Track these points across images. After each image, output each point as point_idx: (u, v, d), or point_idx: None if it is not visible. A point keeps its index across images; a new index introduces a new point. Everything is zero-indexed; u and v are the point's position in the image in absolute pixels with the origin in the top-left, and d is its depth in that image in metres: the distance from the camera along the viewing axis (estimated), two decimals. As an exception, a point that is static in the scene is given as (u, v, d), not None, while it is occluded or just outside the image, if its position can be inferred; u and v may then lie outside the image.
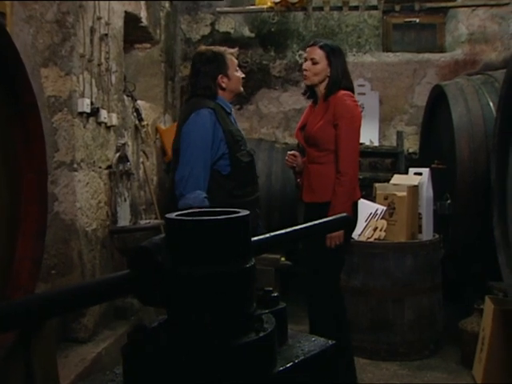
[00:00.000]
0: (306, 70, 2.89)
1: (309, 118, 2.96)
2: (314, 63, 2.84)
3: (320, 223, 0.84)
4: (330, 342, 0.75)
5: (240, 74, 2.83)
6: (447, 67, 5.15)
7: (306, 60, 2.92)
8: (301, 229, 0.83)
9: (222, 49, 2.81)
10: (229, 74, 2.74)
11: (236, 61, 2.81)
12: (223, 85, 2.73)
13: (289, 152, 3.03)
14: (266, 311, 0.77)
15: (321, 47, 2.85)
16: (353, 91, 2.92)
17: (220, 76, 2.72)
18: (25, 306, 0.65)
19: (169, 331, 0.72)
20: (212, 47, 2.86)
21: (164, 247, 0.71)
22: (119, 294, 0.73)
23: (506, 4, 4.75)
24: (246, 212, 0.75)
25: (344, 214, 0.90)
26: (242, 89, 2.86)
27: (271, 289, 0.80)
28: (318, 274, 2.79)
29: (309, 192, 2.89)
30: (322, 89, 2.87)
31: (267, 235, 0.81)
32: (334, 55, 2.84)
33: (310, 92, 2.98)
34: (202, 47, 2.92)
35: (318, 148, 2.84)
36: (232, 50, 2.83)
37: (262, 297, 0.79)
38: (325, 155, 2.82)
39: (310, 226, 0.83)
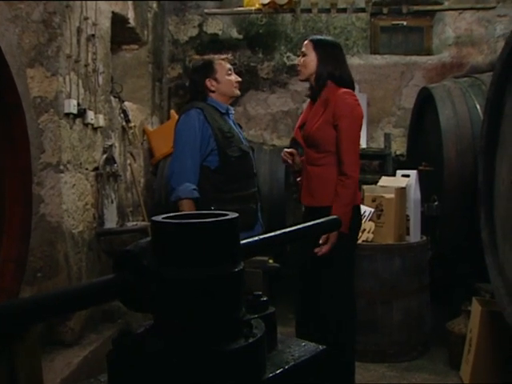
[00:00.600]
0: (298, 65, 2.90)
1: (308, 116, 2.88)
2: (304, 55, 2.82)
3: (310, 225, 0.83)
4: (320, 347, 0.74)
5: (234, 78, 2.96)
6: (434, 70, 5.18)
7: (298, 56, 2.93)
8: (291, 231, 0.81)
9: (211, 56, 3.06)
10: (217, 78, 2.91)
11: (228, 66, 2.97)
12: (212, 88, 2.92)
13: (285, 149, 2.95)
14: (255, 316, 0.75)
15: (311, 40, 2.83)
16: (353, 89, 2.83)
17: (208, 80, 2.91)
18: (6, 310, 0.62)
19: (155, 336, 0.70)
20: (204, 56, 3.14)
21: (150, 250, 0.70)
22: (104, 299, 0.71)
23: (493, 8, 4.79)
24: (235, 215, 0.73)
25: (335, 217, 0.88)
26: (237, 92, 2.99)
27: (260, 293, 0.78)
28: (331, 280, 2.73)
29: (308, 195, 2.82)
30: (312, 82, 2.82)
31: (256, 238, 0.79)
32: (323, 47, 2.79)
33: (310, 88, 2.92)
34: (195, 58, 3.24)
35: (318, 149, 2.76)
36: (223, 56, 3.02)
37: (250, 301, 0.77)
38: (324, 157, 2.74)
39: (300, 228, 0.82)
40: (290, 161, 2.91)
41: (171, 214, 0.76)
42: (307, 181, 2.82)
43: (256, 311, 0.76)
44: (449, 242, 3.80)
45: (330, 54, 2.79)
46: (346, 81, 2.78)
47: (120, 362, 0.69)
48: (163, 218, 0.73)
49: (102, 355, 2.71)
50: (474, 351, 3.00)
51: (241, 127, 3.15)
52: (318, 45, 2.79)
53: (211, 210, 2.69)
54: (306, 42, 2.87)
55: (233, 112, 3.06)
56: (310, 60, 2.78)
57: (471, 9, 4.81)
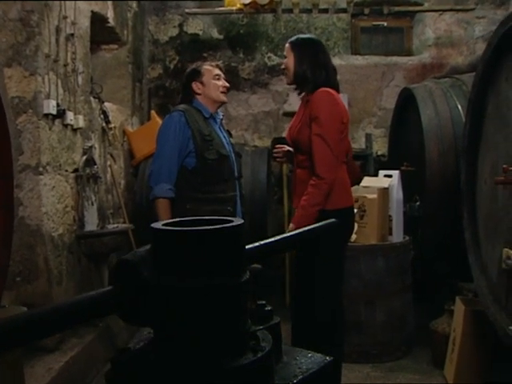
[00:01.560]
0: (283, 69, 2.86)
1: (295, 117, 2.85)
2: (285, 58, 2.79)
3: (307, 230, 0.80)
4: (327, 358, 0.70)
5: (221, 83, 3.00)
6: (415, 70, 5.21)
7: None
8: (290, 237, 0.78)
9: (203, 62, 3.11)
10: (203, 81, 2.96)
11: (216, 71, 3.01)
12: (198, 90, 2.97)
13: (277, 145, 2.89)
14: (261, 327, 0.71)
15: (290, 42, 2.80)
16: (336, 87, 2.75)
17: (194, 82, 2.97)
18: None
19: (156, 353, 0.65)
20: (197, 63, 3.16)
21: (149, 260, 0.65)
22: (101, 313, 0.66)
23: (472, 9, 4.84)
24: (240, 221, 0.69)
25: (333, 220, 0.86)
26: (222, 97, 3.01)
27: (264, 302, 0.74)
28: (321, 283, 2.70)
29: (296, 197, 2.77)
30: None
31: (257, 244, 0.75)
32: (300, 47, 2.74)
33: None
34: (188, 66, 3.26)
35: (301, 151, 2.71)
36: (214, 63, 3.09)
37: (254, 311, 0.74)
38: (306, 159, 2.68)
39: (299, 233, 0.79)
40: (280, 155, 2.87)
41: (171, 221, 0.72)
42: (295, 183, 2.80)
43: (261, 322, 0.72)
44: (431, 241, 3.82)
45: (306, 53, 2.72)
46: (325, 80, 2.70)
47: (121, 381, 0.65)
48: (163, 226, 0.69)
49: (84, 360, 2.67)
50: (458, 350, 3.02)
51: (230, 135, 3.18)
52: (294, 46, 2.76)
53: (186, 208, 2.78)
54: (286, 43, 2.83)
55: (221, 117, 3.08)
56: (290, 63, 2.75)
57: (451, 10, 4.85)
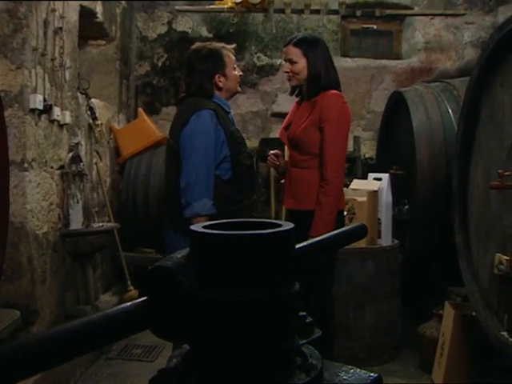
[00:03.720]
0: (286, 72, 2.74)
1: (294, 117, 2.79)
2: (293, 63, 2.68)
3: (336, 234, 0.75)
4: (372, 374, 0.66)
5: (238, 72, 2.66)
6: (404, 74, 5.22)
7: (285, 61, 2.76)
8: (317, 242, 0.73)
9: (218, 45, 2.64)
10: (226, 73, 2.59)
11: (234, 58, 2.66)
12: (220, 84, 2.58)
13: (271, 151, 2.87)
14: (304, 341, 0.65)
15: (295, 45, 2.68)
16: (340, 90, 2.73)
17: (217, 75, 2.57)
18: (7, 358, 0.49)
19: (197, 373, 0.58)
20: (208, 43, 2.67)
21: (189, 268, 0.58)
22: (134, 330, 0.57)
23: (462, 15, 4.86)
24: (291, 225, 0.62)
25: (361, 223, 0.82)
26: (239, 88, 2.72)
27: (305, 313, 0.68)
28: (312, 285, 2.66)
29: (290, 198, 2.74)
30: (305, 88, 2.73)
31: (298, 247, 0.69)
32: (312, 50, 2.65)
33: (297, 90, 2.82)
34: (198, 44, 2.69)
35: (302, 151, 2.68)
36: (230, 47, 2.67)
37: (297, 324, 0.66)
38: (308, 159, 2.65)
39: (326, 238, 0.74)
40: (277, 163, 2.84)
41: (209, 223, 0.64)
42: (290, 183, 2.75)
43: (303, 335, 0.66)
44: (419, 245, 3.81)
45: (321, 56, 2.66)
46: (334, 82, 2.69)
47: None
48: (204, 228, 0.61)
49: (69, 365, 2.57)
50: (447, 354, 3.01)
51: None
52: (306, 49, 2.66)
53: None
54: (288, 47, 2.71)
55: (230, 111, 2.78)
56: (303, 67, 2.65)
57: (441, 15, 4.86)
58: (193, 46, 2.67)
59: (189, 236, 0.61)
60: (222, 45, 2.67)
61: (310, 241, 0.72)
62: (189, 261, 0.58)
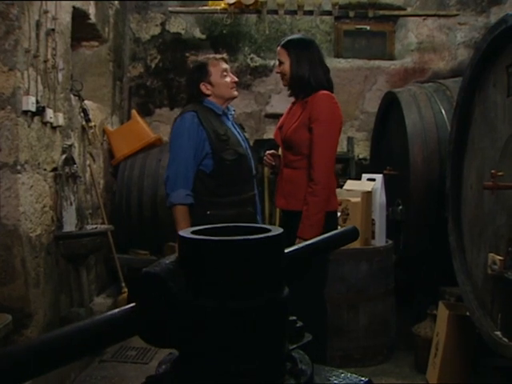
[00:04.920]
0: (277, 72, 2.83)
1: (287, 117, 2.83)
2: (281, 63, 2.75)
3: (328, 237, 0.75)
4: (363, 378, 0.66)
5: (230, 79, 2.86)
6: (397, 74, 5.23)
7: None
8: (310, 245, 0.72)
9: (206, 57, 2.95)
10: (212, 81, 2.82)
11: (224, 66, 2.86)
12: (207, 92, 2.83)
13: (268, 152, 2.90)
14: (295, 346, 0.64)
15: (283, 46, 2.75)
16: (332, 87, 2.76)
17: (202, 84, 2.82)
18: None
19: (186, 379, 0.58)
20: (199, 57, 3.13)
21: (178, 273, 0.57)
22: (123, 336, 0.57)
23: (455, 15, 4.88)
24: (279, 230, 0.62)
25: (352, 226, 0.81)
26: (234, 93, 2.88)
27: (295, 318, 0.68)
28: (303, 289, 2.65)
29: (281, 198, 2.76)
30: (292, 88, 2.78)
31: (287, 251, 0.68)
32: (296, 51, 2.71)
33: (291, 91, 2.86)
34: (191, 58, 3.18)
35: (293, 151, 2.69)
36: (219, 56, 2.93)
37: (287, 329, 0.66)
38: (299, 160, 2.67)
39: (318, 241, 0.73)
40: (273, 163, 2.86)
41: (198, 229, 0.64)
42: (282, 183, 2.76)
43: (293, 340, 0.65)
44: (413, 245, 3.81)
45: (306, 57, 2.70)
46: (323, 81, 2.71)
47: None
48: (193, 233, 0.61)
49: (63, 368, 2.57)
50: (441, 354, 3.01)
51: (242, 128, 3.08)
52: (290, 50, 2.72)
53: (206, 214, 2.64)
54: (278, 48, 2.79)
55: (232, 113, 2.97)
56: (286, 67, 2.72)
57: (434, 15, 4.88)
58: (189, 59, 3.01)
59: (177, 241, 0.61)
60: (212, 56, 2.96)
61: (300, 244, 0.71)
62: (177, 266, 0.58)
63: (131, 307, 0.57)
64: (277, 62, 2.85)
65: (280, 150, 2.97)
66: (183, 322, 0.57)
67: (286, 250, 0.65)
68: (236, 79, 2.91)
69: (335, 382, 0.65)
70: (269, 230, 0.61)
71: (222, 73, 2.83)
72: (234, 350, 0.58)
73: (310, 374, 0.61)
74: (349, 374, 0.67)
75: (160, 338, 0.59)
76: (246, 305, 0.57)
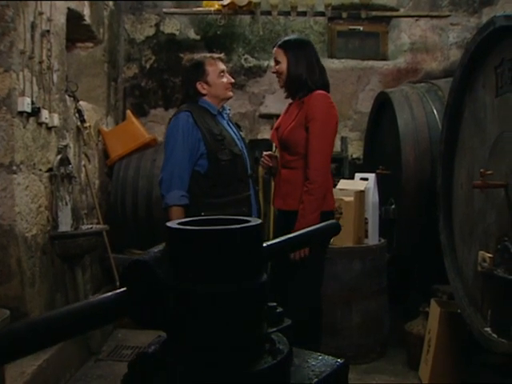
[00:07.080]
0: (273, 72, 2.85)
1: (283, 117, 2.85)
2: (277, 63, 2.78)
3: (311, 231, 0.79)
4: (339, 360, 0.70)
5: (226, 80, 2.86)
6: (390, 75, 5.27)
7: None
8: (292, 238, 0.77)
9: (203, 56, 2.91)
10: (208, 81, 2.81)
11: (221, 67, 2.85)
12: (203, 91, 2.83)
13: (264, 152, 2.92)
14: (274, 329, 0.69)
15: (280, 46, 2.78)
16: (328, 87, 2.79)
17: (199, 83, 2.82)
18: None
19: (174, 358, 0.62)
20: (195, 55, 2.95)
21: (165, 261, 0.62)
22: (114, 316, 0.62)
23: (447, 16, 4.92)
24: (258, 221, 0.67)
25: (334, 221, 0.85)
26: (229, 94, 2.89)
27: (275, 304, 0.72)
28: (300, 287, 2.69)
29: (278, 198, 2.78)
30: (288, 88, 2.80)
31: (264, 245, 0.73)
32: (293, 51, 2.74)
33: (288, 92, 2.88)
34: (187, 56, 3.04)
35: (290, 151, 2.71)
36: (216, 56, 2.91)
37: (265, 313, 0.71)
38: (296, 160, 2.69)
39: (299, 235, 0.77)
40: (270, 164, 2.88)
41: (188, 219, 0.69)
42: (278, 183, 2.79)
43: (273, 324, 0.70)
44: (406, 244, 3.86)
45: (303, 57, 2.73)
46: (319, 81, 2.74)
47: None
48: (179, 224, 0.66)
49: (57, 364, 2.60)
50: (433, 351, 3.05)
51: (239, 127, 3.08)
52: (287, 49, 2.75)
53: (201, 215, 2.63)
54: (274, 49, 2.81)
55: (228, 112, 2.97)
56: (283, 67, 2.75)
57: (426, 16, 4.92)
58: (184, 58, 2.99)
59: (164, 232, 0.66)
60: (209, 55, 2.92)
61: (282, 237, 0.75)
62: (164, 254, 0.63)
63: (122, 291, 0.62)
64: (272, 63, 2.88)
65: (275, 150, 3.01)
66: (169, 304, 0.62)
67: (268, 243, 0.70)
68: (232, 80, 2.92)
69: (313, 363, 0.69)
70: (248, 222, 0.65)
71: (219, 73, 2.83)
72: (214, 330, 0.62)
73: (287, 353, 0.65)
74: (326, 357, 0.71)
75: (148, 320, 0.63)
76: (223, 289, 0.62)
